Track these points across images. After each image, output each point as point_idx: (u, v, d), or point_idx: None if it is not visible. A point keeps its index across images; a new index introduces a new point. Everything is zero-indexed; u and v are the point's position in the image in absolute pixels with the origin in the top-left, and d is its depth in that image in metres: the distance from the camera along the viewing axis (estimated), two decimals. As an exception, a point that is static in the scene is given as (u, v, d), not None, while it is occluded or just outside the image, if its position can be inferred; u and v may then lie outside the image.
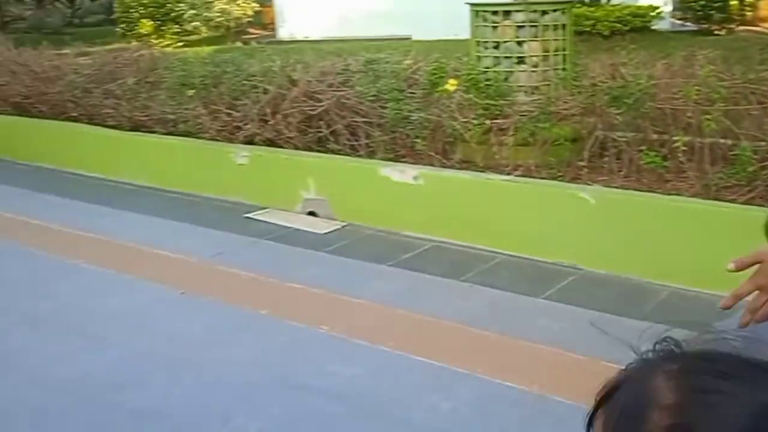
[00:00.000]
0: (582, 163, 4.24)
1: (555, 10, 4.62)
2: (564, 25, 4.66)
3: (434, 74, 4.81)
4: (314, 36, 11.72)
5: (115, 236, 4.49)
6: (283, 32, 13.01)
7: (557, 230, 3.90)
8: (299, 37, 11.96)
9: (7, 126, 6.59)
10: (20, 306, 3.59)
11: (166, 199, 5.30)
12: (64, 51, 7.40)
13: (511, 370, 2.77)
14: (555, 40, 4.63)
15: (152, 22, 12.53)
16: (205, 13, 12.55)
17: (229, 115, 5.24)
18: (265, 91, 5.12)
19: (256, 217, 4.80)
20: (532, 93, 4.63)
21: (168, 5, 12.72)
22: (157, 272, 3.93)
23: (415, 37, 10.04)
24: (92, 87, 6.15)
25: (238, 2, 12.59)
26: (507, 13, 4.60)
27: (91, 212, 5.06)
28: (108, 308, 3.53)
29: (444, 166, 4.45)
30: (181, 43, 12.04)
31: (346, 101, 4.85)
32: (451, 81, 4.70)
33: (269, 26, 14.18)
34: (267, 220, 4.75)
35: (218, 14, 12.46)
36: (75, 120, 6.18)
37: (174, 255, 4.17)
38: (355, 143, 4.80)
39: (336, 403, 2.62)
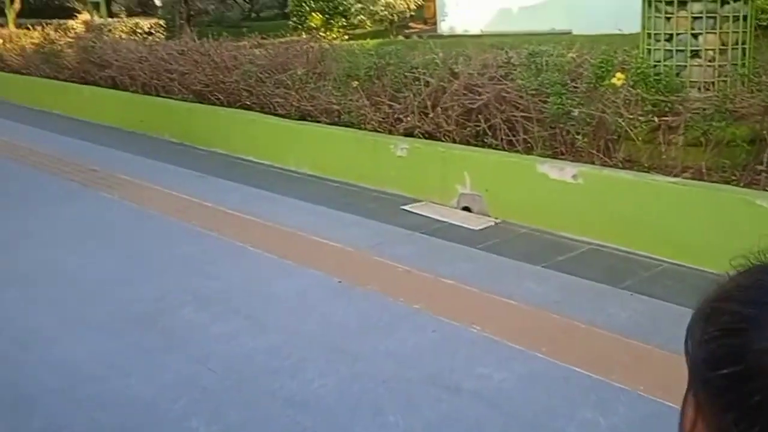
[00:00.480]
0: (761, 167, 3.93)
1: (736, 0, 4.30)
2: (745, 17, 4.32)
3: (600, 67, 4.63)
4: (474, 30, 11.70)
5: (279, 221, 4.74)
6: (444, 26, 13.11)
7: (728, 239, 3.64)
8: (459, 32, 11.99)
9: (188, 112, 7.12)
10: (191, 284, 3.85)
11: (328, 187, 5.52)
12: (241, 43, 7.88)
13: (678, 391, 2.62)
14: (734, 32, 4.31)
15: (321, 16, 13.05)
16: (371, 7, 12.87)
17: (390, 107, 5.35)
18: (427, 84, 5.18)
19: (412, 209, 4.88)
20: (707, 89, 4.35)
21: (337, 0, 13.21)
22: (316, 259, 4.11)
23: (575, 32, 9.74)
24: (265, 77, 6.51)
25: (401, -3, 12.86)
26: (682, 3, 4.33)
27: (258, 197, 5.37)
28: (269, 292, 3.73)
29: (605, 165, 4.29)
30: (347, 36, 12.47)
31: (506, 95, 4.79)
32: (618, 75, 4.50)
33: (430, 21, 14.32)
34: (422, 213, 4.82)
35: (383, 8, 12.76)
36: (248, 108, 6.57)
37: (333, 243, 4.33)
38: (512, 138, 4.74)
39: (486, 407, 2.63)
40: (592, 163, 4.33)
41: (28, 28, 12.73)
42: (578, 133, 4.42)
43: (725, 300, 0.56)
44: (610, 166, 4.27)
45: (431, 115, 5.07)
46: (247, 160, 6.37)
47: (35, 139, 7.65)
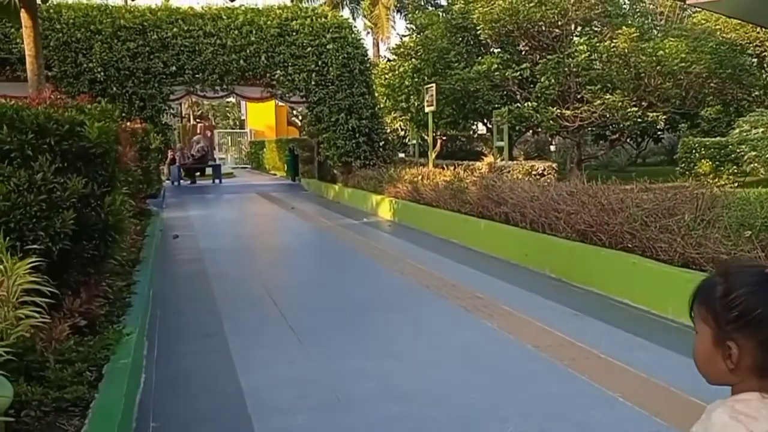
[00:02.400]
0: None
1: None
2: None
3: None
4: None
5: (652, 374, 4.54)
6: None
7: None
8: None
9: (569, 250, 7.35)
10: (557, 427, 3.81)
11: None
12: (628, 186, 7.96)
13: None
14: None
15: (711, 163, 12.57)
16: (766, 156, 11.98)
17: (788, 261, 4.87)
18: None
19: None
20: None
21: (729, 147, 12.65)
22: (692, 422, 3.83)
23: None
24: (650, 221, 6.46)
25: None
26: None
27: (632, 344, 5.23)
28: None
29: None
30: (736, 183, 11.79)
31: None
32: None
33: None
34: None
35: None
36: (630, 251, 6.54)
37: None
38: None
39: None
40: None
41: (443, 168, 14.57)
42: None
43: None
44: None
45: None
46: (623, 302, 6.28)
47: (435, 264, 8.61)
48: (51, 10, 16.88)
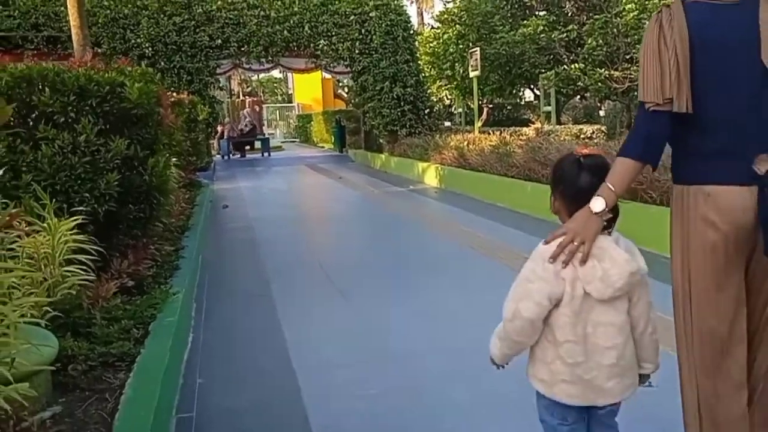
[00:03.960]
0: None
1: None
2: None
3: None
4: None
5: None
6: None
7: None
8: None
9: (620, 209, 7.16)
10: None
11: None
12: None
13: None
14: None
15: None
16: None
17: None
18: None
19: None
20: None
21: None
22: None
23: None
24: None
25: None
26: None
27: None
28: None
29: None
30: None
31: None
32: None
33: None
34: None
35: None
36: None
37: None
38: None
39: None
40: None
41: (489, 134, 14.38)
42: None
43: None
44: None
45: None
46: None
47: (481, 227, 8.52)
48: (98, -13, 17.15)
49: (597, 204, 2.08)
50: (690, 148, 2.22)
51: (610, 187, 2.09)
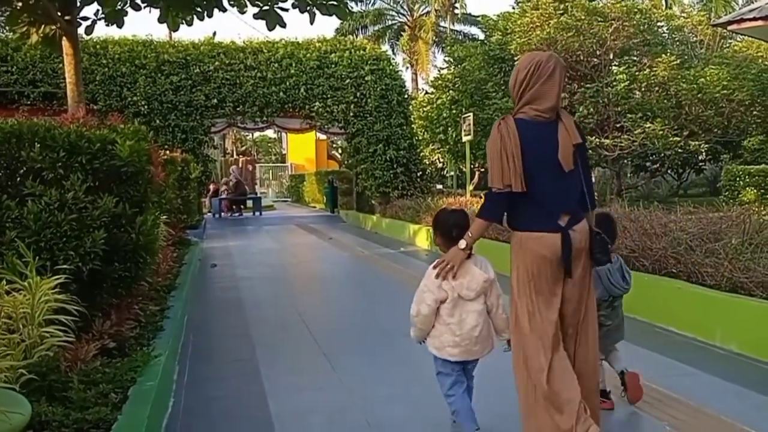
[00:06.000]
0: None
1: None
2: None
3: None
4: None
5: (700, 402, 4.30)
6: None
7: None
8: None
9: (612, 277, 7.11)
10: None
11: (760, 370, 4.87)
12: (671, 216, 7.71)
13: None
14: None
15: (756, 191, 12.25)
16: None
17: None
18: None
19: None
20: None
21: (773, 174, 12.33)
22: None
23: None
24: (695, 245, 6.21)
25: None
26: None
27: (677, 371, 4.99)
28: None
29: None
30: None
31: None
32: None
33: None
34: None
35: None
36: (674, 276, 6.28)
37: (759, 434, 3.76)
38: None
39: None
40: None
41: (480, 197, 14.40)
42: None
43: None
44: None
45: None
46: (668, 329, 6.02)
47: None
48: (98, 46, 17.38)
49: (461, 243, 3.44)
50: (523, 210, 3.36)
51: (470, 234, 3.43)
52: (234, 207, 25.93)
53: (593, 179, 21.27)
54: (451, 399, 3.68)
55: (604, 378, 4.17)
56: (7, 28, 10.79)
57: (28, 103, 16.29)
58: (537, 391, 3.29)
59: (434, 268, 3.53)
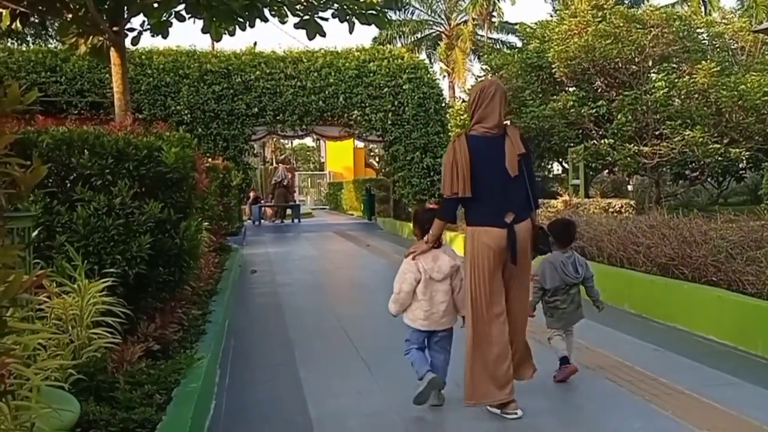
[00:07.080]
0: None
1: None
2: None
3: None
4: None
5: (742, 411, 4.24)
6: None
7: None
8: None
9: (649, 284, 7.05)
10: None
11: (804, 380, 4.78)
12: (711, 224, 7.61)
13: None
14: None
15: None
16: None
17: None
18: None
19: None
20: None
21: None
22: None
23: None
24: (735, 253, 6.13)
25: None
26: None
27: (719, 380, 4.93)
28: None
29: None
30: None
31: None
32: None
33: None
34: None
35: None
36: (714, 284, 6.21)
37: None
38: None
39: None
40: None
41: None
42: None
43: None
44: None
45: None
46: (708, 338, 5.95)
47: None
48: (143, 57, 17.79)
49: (425, 239, 4.42)
50: (476, 209, 4.24)
51: (431, 232, 4.37)
52: (278, 212, 26.20)
53: (541, 186, 20.81)
54: (408, 355, 4.55)
55: (571, 348, 5.07)
56: (57, 38, 11.12)
57: (76, 112, 16.71)
58: (478, 354, 4.24)
59: (406, 256, 4.51)
